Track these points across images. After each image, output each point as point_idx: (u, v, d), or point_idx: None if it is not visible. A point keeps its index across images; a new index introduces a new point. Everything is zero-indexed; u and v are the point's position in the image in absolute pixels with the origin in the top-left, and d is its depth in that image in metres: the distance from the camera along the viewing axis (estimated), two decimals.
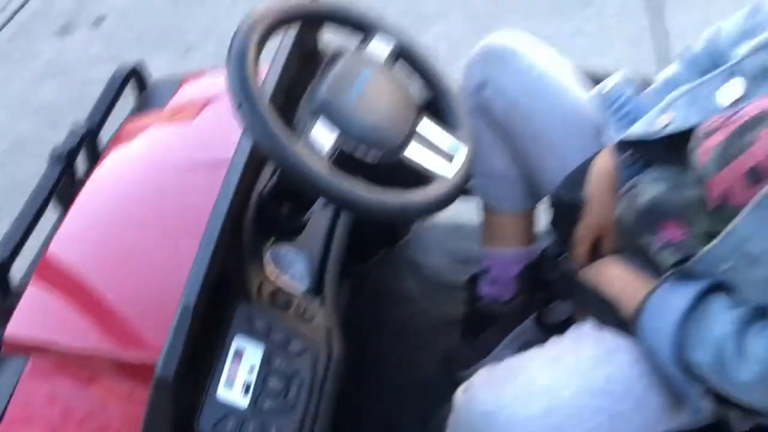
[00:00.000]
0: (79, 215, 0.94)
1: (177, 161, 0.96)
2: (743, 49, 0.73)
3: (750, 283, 0.64)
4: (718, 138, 0.65)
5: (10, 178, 1.82)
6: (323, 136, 0.69)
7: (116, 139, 1.05)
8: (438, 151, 0.76)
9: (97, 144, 1.08)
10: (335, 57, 0.75)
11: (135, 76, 1.16)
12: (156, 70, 2.03)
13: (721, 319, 0.67)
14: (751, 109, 0.65)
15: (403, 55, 0.81)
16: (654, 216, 0.74)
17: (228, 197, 0.70)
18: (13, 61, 2.19)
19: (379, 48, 0.79)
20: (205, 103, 1.06)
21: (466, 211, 1.20)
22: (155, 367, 0.62)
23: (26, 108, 2.04)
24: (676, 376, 0.70)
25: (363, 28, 0.81)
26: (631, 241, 0.79)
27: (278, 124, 0.66)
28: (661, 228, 0.73)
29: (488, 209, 1.04)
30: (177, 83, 1.15)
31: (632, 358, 0.73)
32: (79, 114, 2.01)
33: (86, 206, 0.95)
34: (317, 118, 0.69)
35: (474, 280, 1.08)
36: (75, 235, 0.92)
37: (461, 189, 0.75)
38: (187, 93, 1.12)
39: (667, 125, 0.75)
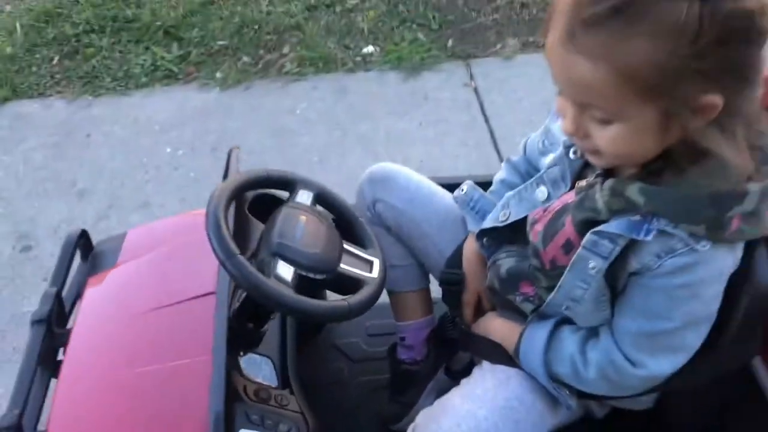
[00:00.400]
0: (75, 362, 1.15)
1: (149, 306, 1.19)
2: (546, 160, 1.11)
3: (579, 316, 0.99)
4: (540, 226, 1.01)
5: None
6: (285, 271, 0.97)
7: (85, 297, 1.26)
8: (361, 263, 1.07)
9: (62, 301, 1.29)
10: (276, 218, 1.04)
11: (83, 239, 1.38)
12: (56, 220, 2.22)
13: (569, 342, 1.01)
14: (556, 205, 1.01)
15: (320, 200, 1.12)
16: (512, 280, 1.09)
17: (224, 324, 0.96)
18: None
19: (304, 197, 1.10)
20: (154, 254, 1.31)
21: None
22: None
23: None
24: (549, 386, 1.03)
25: (289, 187, 1.11)
26: (501, 298, 1.13)
27: (254, 271, 0.94)
28: (519, 287, 1.07)
29: (394, 292, 1.36)
30: (121, 240, 1.38)
31: (520, 380, 1.06)
32: None
33: (80, 356, 1.16)
34: (277, 260, 0.98)
35: (393, 349, 1.38)
36: (79, 383, 1.13)
37: (383, 286, 1.06)
38: (134, 248, 1.35)
39: (507, 218, 1.11)
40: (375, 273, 1.07)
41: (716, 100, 0.80)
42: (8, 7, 3.32)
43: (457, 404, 1.05)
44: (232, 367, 1.06)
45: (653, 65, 0.78)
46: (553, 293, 0.98)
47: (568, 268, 0.95)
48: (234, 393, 1.02)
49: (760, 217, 0.88)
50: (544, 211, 1.02)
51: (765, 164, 0.89)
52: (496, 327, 1.13)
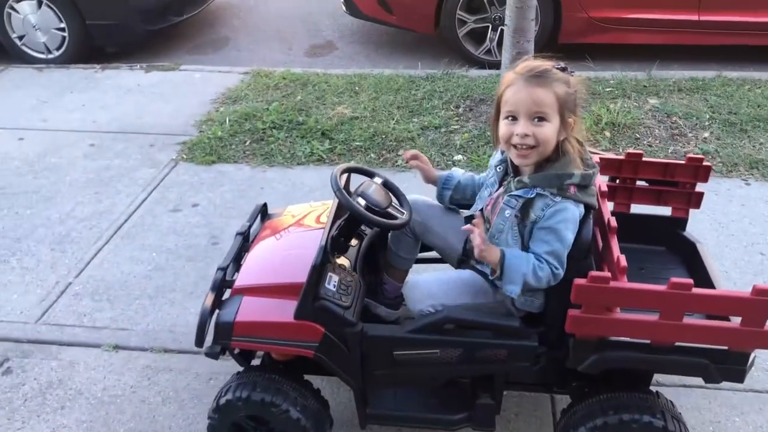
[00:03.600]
0: (255, 254, 2.30)
1: (293, 229, 2.35)
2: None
3: (502, 243, 2.00)
4: (489, 206, 2.06)
5: (179, 272, 3.17)
6: (361, 201, 2.10)
7: (263, 228, 2.44)
8: (398, 212, 2.18)
9: (250, 230, 2.46)
10: (362, 183, 2.19)
11: (264, 208, 2.57)
12: (234, 230, 3.46)
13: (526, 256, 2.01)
14: (494, 195, 2.06)
15: (385, 183, 2.25)
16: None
17: (326, 236, 2.08)
18: (147, 226, 3.62)
19: (377, 179, 2.24)
20: (298, 215, 2.48)
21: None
22: (313, 264, 1.96)
23: (162, 246, 3.43)
24: (491, 283, 2.05)
25: (371, 174, 2.26)
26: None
27: (352, 202, 2.07)
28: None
29: (394, 267, 2.39)
30: (282, 211, 2.56)
31: (469, 273, 2.10)
32: (191, 244, 3.22)
33: (258, 248, 2.32)
34: (358, 197, 2.11)
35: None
36: (254, 255, 2.28)
37: (407, 224, 2.17)
38: (289, 213, 2.53)
39: (478, 208, 2.17)
40: (405, 217, 2.18)
41: (572, 121, 1.90)
42: (222, 108, 4.88)
43: (436, 272, 2.12)
44: (331, 257, 2.17)
45: (561, 94, 1.88)
46: (490, 228, 2.03)
47: (497, 215, 2.00)
48: (330, 263, 2.13)
49: (587, 192, 1.93)
50: (490, 199, 2.09)
51: (584, 165, 1.94)
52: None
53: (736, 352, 1.88)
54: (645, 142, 4.23)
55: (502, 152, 2.10)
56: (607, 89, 4.91)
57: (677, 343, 1.90)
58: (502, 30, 5.46)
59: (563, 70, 1.92)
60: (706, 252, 2.37)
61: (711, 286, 2.20)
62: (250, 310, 2.09)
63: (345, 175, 2.25)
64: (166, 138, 4.51)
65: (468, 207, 2.28)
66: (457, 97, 4.81)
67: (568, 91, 1.89)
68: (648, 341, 1.91)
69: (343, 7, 6.14)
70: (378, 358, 2.08)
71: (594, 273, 1.80)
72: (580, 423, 2.02)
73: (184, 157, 4.28)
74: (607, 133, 4.30)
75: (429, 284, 2.09)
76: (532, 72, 1.89)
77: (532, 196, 1.93)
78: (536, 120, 1.89)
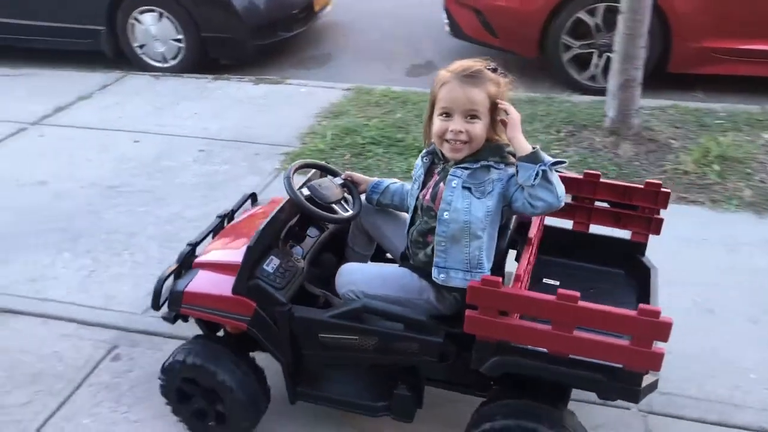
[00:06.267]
0: (222, 235, 2.44)
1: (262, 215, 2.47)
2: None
3: (455, 212, 1.99)
4: (428, 196, 2.08)
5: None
6: (306, 193, 2.20)
7: (242, 213, 2.57)
8: (344, 209, 2.26)
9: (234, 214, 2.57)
10: (320, 178, 2.29)
11: (253, 196, 2.69)
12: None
13: None
14: (429, 186, 2.09)
15: (344, 184, 2.34)
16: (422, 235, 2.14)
17: (267, 221, 2.14)
18: None
19: (337, 180, 2.33)
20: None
21: None
22: (248, 246, 2.08)
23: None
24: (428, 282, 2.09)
25: (332, 173, 2.37)
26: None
27: (302, 199, 2.15)
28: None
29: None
30: (269, 200, 2.64)
31: (403, 270, 2.16)
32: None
33: (227, 230, 2.47)
34: (305, 188, 2.21)
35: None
36: (221, 236, 2.41)
37: (348, 221, 2.29)
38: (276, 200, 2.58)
39: (413, 206, 2.19)
40: (347, 215, 2.27)
41: (497, 117, 1.96)
42: (324, 122, 5.03)
43: (369, 264, 2.33)
44: (283, 242, 2.25)
45: (492, 94, 1.95)
46: (442, 202, 2.02)
47: (443, 192, 2.02)
48: (277, 246, 2.22)
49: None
50: (426, 189, 2.11)
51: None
52: None
53: (629, 371, 1.85)
54: (757, 177, 4.05)
55: (427, 151, 2.19)
56: (717, 121, 4.74)
57: (572, 356, 1.89)
58: (607, 56, 5.39)
59: (494, 71, 2.01)
60: (656, 279, 2.30)
61: None
62: (200, 282, 2.27)
63: (305, 169, 2.39)
64: (270, 148, 4.69)
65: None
66: (558, 121, 4.77)
67: (500, 90, 1.99)
68: (545, 350, 1.91)
69: (447, 29, 6.21)
70: (305, 338, 2.19)
71: (486, 276, 1.86)
72: (472, 427, 2.07)
73: (287, 167, 4.42)
74: (716, 167, 4.14)
75: (355, 272, 2.19)
76: (467, 72, 1.98)
77: (477, 166, 2.00)
78: (469, 118, 1.97)
